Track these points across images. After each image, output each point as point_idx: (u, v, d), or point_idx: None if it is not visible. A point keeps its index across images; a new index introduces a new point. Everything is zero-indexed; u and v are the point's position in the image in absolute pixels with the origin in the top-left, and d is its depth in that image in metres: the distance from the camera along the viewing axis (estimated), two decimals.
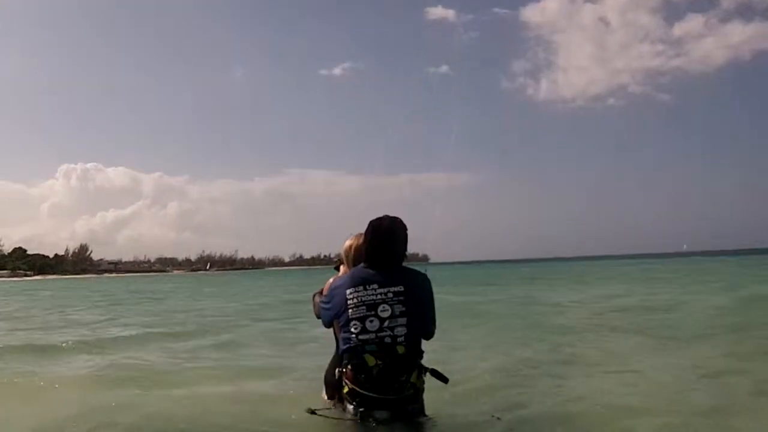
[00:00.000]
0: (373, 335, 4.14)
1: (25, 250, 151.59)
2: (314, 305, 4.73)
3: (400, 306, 4.18)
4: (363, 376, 4.09)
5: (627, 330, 10.19)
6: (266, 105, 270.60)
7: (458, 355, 7.58)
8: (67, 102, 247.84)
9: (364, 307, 4.18)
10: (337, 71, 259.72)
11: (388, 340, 4.14)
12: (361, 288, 4.23)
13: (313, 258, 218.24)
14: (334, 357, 4.49)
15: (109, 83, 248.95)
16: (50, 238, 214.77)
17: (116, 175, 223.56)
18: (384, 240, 4.35)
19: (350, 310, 4.21)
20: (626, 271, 44.77)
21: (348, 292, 4.25)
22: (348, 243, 4.78)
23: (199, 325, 13.85)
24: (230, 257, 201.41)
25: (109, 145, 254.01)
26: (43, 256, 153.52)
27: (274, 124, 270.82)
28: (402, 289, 4.22)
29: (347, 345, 4.21)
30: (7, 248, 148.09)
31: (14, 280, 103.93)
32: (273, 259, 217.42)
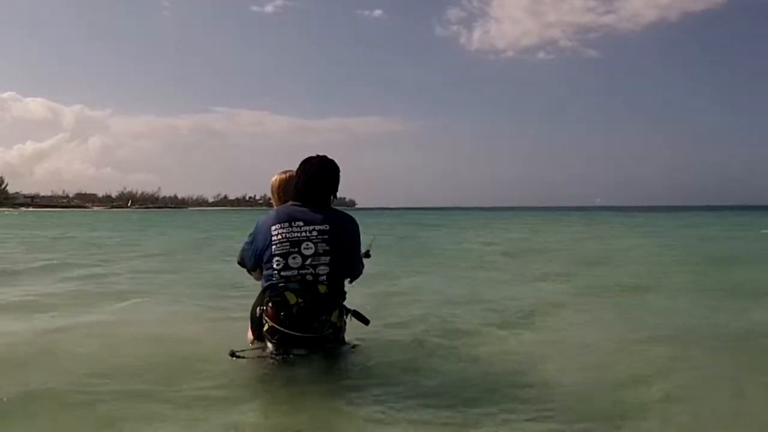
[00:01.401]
0: (295, 272, 4.12)
1: None
2: (239, 254, 4.60)
3: (324, 245, 4.16)
4: (283, 313, 4.06)
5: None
6: (194, 42, 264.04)
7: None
8: None
9: (287, 244, 4.15)
10: (269, 8, 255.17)
11: (309, 278, 4.12)
12: (286, 224, 4.20)
13: (237, 199, 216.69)
14: (258, 295, 4.36)
15: (32, 13, 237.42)
16: None
17: (35, 106, 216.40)
18: (314, 178, 4.34)
19: (274, 246, 4.18)
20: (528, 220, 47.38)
21: (273, 228, 4.22)
22: (274, 178, 4.77)
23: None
24: (152, 195, 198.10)
25: (28, 74, 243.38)
26: None
27: (201, 61, 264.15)
28: (327, 227, 4.20)
29: (269, 282, 4.18)
30: None
31: None
32: (197, 199, 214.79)
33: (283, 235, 4.18)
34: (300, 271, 4.13)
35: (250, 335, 4.48)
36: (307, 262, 4.14)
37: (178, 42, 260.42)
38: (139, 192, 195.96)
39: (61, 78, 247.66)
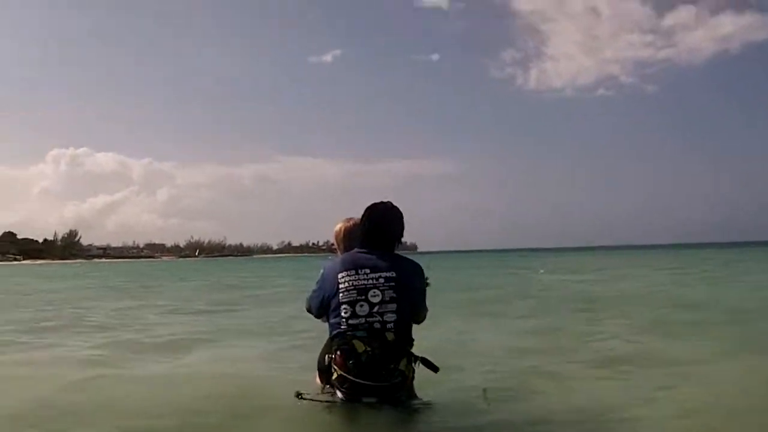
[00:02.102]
0: (362, 320, 4.10)
1: (15, 234, 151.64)
2: (306, 302, 4.64)
3: (391, 292, 4.14)
4: (352, 362, 4.03)
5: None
6: (254, 93, 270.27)
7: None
8: (57, 87, 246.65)
9: (354, 292, 4.14)
10: (327, 58, 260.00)
11: (377, 326, 4.09)
12: (352, 272, 4.19)
13: (301, 246, 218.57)
14: (326, 343, 4.35)
15: (98, 70, 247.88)
16: (39, 223, 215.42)
17: (106, 160, 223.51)
18: (379, 224, 4.35)
19: (341, 294, 4.17)
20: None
21: (340, 275, 4.21)
22: (338, 227, 4.79)
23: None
24: (219, 244, 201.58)
25: (99, 130, 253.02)
26: (32, 240, 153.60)
27: (261, 112, 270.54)
28: (394, 275, 4.18)
29: (337, 330, 4.17)
30: None
31: (5, 264, 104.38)
32: (261, 247, 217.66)
33: (350, 282, 4.18)
34: (368, 319, 4.11)
35: (317, 382, 4.46)
36: (375, 309, 4.12)
37: (237, 93, 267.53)
38: (206, 241, 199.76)
39: (130, 132, 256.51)
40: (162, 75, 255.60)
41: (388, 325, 4.12)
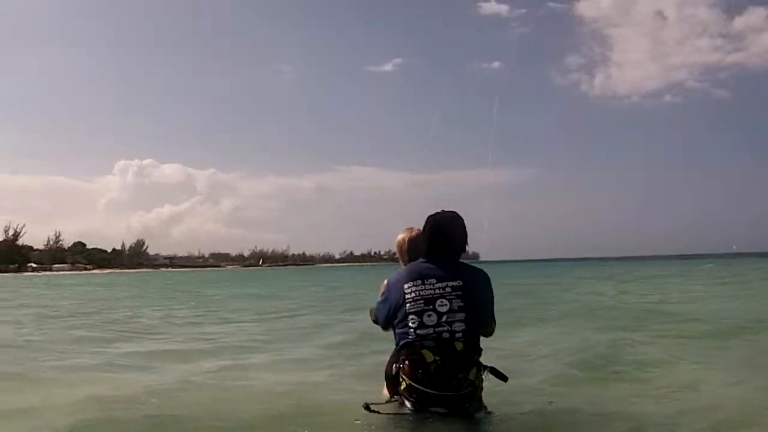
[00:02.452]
0: (431, 330, 4.08)
1: (84, 245, 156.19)
2: (371, 312, 4.66)
3: (459, 301, 4.12)
4: (421, 372, 4.01)
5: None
6: (315, 102, 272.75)
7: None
8: (124, 99, 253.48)
9: (422, 302, 4.13)
10: (387, 68, 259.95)
11: (446, 335, 4.07)
12: (419, 282, 4.18)
13: (363, 255, 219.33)
14: (393, 353, 4.35)
15: (164, 81, 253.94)
16: (107, 233, 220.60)
17: (171, 171, 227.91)
18: (443, 233, 4.33)
19: (408, 304, 4.16)
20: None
21: (406, 286, 4.20)
22: (401, 237, 4.78)
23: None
24: (282, 253, 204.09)
25: (165, 141, 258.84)
26: (101, 250, 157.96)
27: (321, 122, 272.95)
28: (461, 283, 4.16)
29: (405, 340, 4.15)
30: (67, 242, 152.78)
31: (75, 273, 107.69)
32: (324, 256, 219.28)
33: (417, 292, 4.17)
34: (436, 329, 4.09)
35: (385, 392, 4.42)
36: (443, 319, 4.10)
37: (298, 104, 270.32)
38: (270, 250, 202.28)
39: (195, 144, 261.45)
40: (223, 86, 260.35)
41: (457, 335, 4.09)
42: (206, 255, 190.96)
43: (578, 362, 6.92)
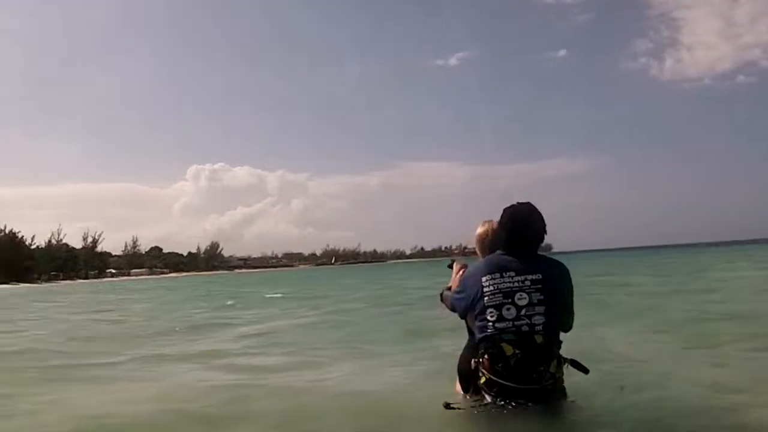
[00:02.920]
0: (510, 323, 4.06)
1: (161, 249, 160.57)
2: (445, 299, 4.67)
3: (538, 294, 4.10)
4: (500, 365, 4.00)
5: None
6: (380, 98, 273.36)
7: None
8: (192, 105, 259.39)
9: (500, 295, 4.10)
10: (452, 61, 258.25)
11: (525, 328, 4.05)
12: (497, 275, 4.15)
13: (434, 250, 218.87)
14: (466, 347, 4.41)
15: (229, 84, 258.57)
16: (182, 237, 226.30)
17: (242, 174, 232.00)
18: (521, 226, 4.29)
19: (486, 298, 4.14)
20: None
21: (484, 279, 4.18)
22: (481, 230, 4.73)
23: None
24: (353, 251, 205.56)
25: (234, 145, 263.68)
26: (177, 254, 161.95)
27: (388, 118, 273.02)
28: (540, 277, 4.14)
29: (483, 333, 4.13)
30: (144, 247, 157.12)
31: (154, 278, 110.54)
32: (395, 252, 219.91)
33: (495, 286, 4.14)
34: (515, 322, 4.07)
35: (458, 388, 4.46)
36: (522, 312, 4.08)
37: (364, 101, 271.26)
38: (341, 248, 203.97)
39: (264, 146, 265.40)
40: (289, 86, 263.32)
41: (537, 328, 4.06)
42: (279, 255, 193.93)
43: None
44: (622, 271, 33.39)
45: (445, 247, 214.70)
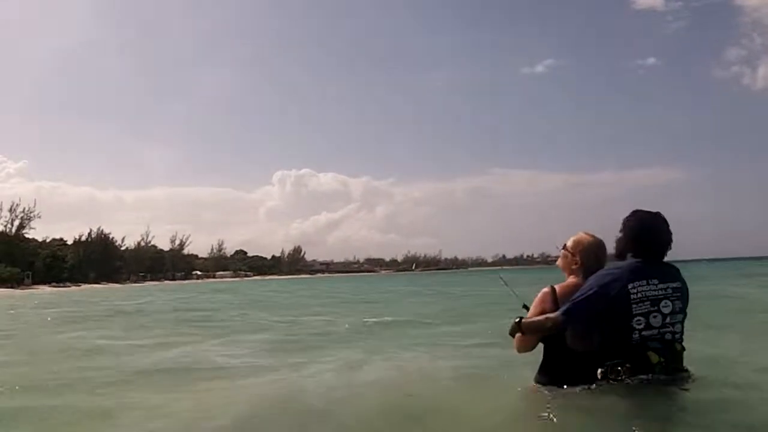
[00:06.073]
0: (656, 332, 4.07)
1: (246, 252, 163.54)
2: (546, 320, 4.26)
3: (679, 303, 4.13)
4: (644, 373, 4.02)
5: None
6: (465, 106, 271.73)
7: None
8: (278, 111, 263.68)
9: (648, 303, 4.07)
10: (539, 69, 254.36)
11: (668, 336, 4.08)
12: (644, 282, 4.10)
13: (515, 258, 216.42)
14: (551, 363, 4.37)
15: (315, 92, 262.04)
16: (266, 240, 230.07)
17: (327, 180, 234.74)
18: (657, 233, 4.25)
19: (634, 306, 4.07)
20: None
21: (630, 286, 4.09)
22: (588, 238, 4.51)
23: None
24: (434, 257, 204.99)
25: (320, 151, 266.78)
26: (261, 257, 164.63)
27: (474, 125, 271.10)
28: (679, 285, 4.17)
29: (626, 342, 4.08)
30: (229, 250, 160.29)
31: (239, 280, 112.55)
32: (476, 260, 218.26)
33: (643, 293, 4.10)
34: (660, 330, 4.09)
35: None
36: (666, 320, 4.10)
37: (447, 108, 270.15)
38: (422, 255, 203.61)
39: (349, 153, 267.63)
40: (374, 93, 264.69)
41: (677, 336, 4.14)
42: (361, 260, 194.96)
43: None
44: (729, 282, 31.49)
45: (527, 256, 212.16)
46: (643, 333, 4.05)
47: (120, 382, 6.94)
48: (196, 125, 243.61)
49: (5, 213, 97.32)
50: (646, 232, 4.24)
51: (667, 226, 4.30)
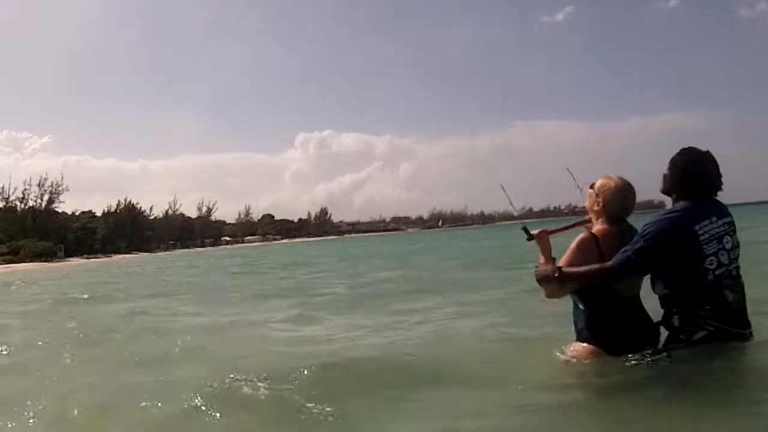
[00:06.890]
0: (725, 269, 4.05)
1: (273, 216, 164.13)
2: (600, 270, 4.12)
3: (736, 237, 4.15)
4: (724, 314, 4.00)
5: None
6: (486, 59, 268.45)
7: None
8: (296, 72, 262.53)
9: (715, 241, 4.05)
10: (559, 17, 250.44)
11: (734, 272, 4.10)
12: (706, 222, 4.05)
13: (542, 210, 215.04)
14: (601, 312, 4.20)
15: (332, 49, 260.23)
16: (293, 204, 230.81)
17: (350, 140, 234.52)
18: (711, 171, 4.18)
19: (704, 246, 4.02)
20: None
21: (697, 227, 4.03)
22: (614, 182, 4.31)
23: None
24: (460, 213, 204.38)
25: (341, 111, 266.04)
26: (288, 221, 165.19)
27: (497, 78, 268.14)
28: (731, 219, 4.16)
29: (700, 283, 4.01)
30: (256, 215, 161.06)
31: (266, 244, 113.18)
32: (503, 213, 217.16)
33: (709, 233, 4.07)
34: (728, 267, 4.08)
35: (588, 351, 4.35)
36: (732, 255, 4.10)
37: (468, 61, 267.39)
38: (449, 211, 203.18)
39: (370, 111, 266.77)
40: (395, 50, 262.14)
41: (739, 270, 4.14)
42: (387, 219, 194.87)
43: None
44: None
45: (554, 207, 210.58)
46: (716, 272, 4.02)
47: None
48: (218, 94, 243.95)
49: (34, 188, 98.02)
50: (700, 171, 4.16)
51: (714, 163, 4.21)
